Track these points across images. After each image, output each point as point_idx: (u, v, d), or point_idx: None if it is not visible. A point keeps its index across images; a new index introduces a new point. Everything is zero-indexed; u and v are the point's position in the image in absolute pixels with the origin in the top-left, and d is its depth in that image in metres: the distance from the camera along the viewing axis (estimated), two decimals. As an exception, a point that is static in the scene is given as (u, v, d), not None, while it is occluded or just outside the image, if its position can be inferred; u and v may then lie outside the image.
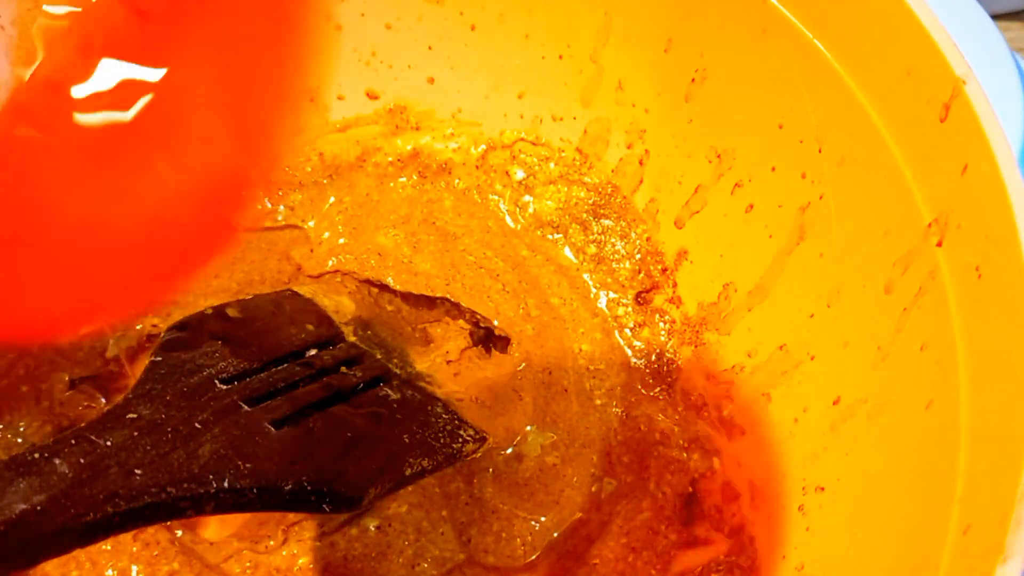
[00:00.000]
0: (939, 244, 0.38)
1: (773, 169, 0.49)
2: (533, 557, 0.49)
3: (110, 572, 0.47)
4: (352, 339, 0.51)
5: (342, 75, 0.58)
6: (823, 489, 0.44)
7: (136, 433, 0.37)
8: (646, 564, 0.49)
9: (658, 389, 0.54)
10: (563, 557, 0.49)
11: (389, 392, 0.48)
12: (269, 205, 0.58)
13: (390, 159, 0.60)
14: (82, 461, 0.34)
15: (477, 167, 0.60)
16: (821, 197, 0.46)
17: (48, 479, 0.33)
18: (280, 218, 0.58)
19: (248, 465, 0.38)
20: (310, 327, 0.50)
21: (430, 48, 0.57)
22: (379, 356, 0.50)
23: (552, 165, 0.59)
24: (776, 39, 0.45)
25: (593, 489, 0.51)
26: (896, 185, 0.40)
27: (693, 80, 0.51)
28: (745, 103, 0.49)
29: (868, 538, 0.39)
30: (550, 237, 0.59)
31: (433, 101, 0.59)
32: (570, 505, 0.50)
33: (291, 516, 0.49)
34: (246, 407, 0.41)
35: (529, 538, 0.49)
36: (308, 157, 0.59)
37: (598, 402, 0.54)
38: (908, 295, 0.40)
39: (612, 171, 0.58)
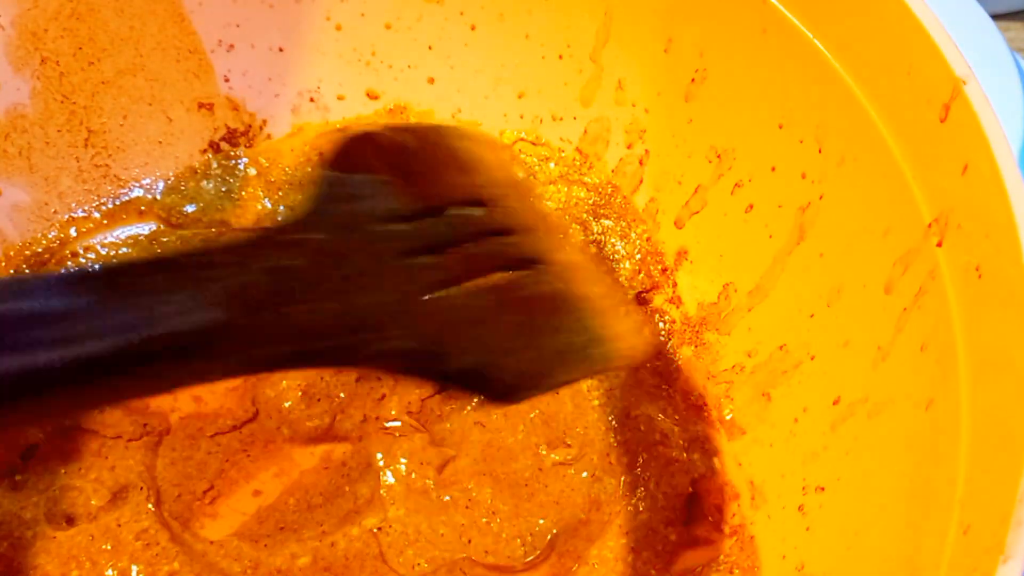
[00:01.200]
0: (939, 244, 0.38)
1: (773, 169, 0.49)
2: (533, 557, 0.49)
3: (110, 572, 0.47)
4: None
5: (342, 75, 0.58)
6: (823, 489, 0.44)
7: (316, 259, 0.33)
8: (646, 564, 0.49)
9: (658, 389, 0.54)
10: (563, 557, 0.49)
11: (547, 279, 0.41)
12: (269, 205, 0.58)
13: (390, 159, 0.60)
14: (257, 281, 0.31)
15: (477, 167, 0.60)
16: (821, 197, 0.46)
17: (225, 290, 0.30)
18: (280, 218, 0.58)
19: (423, 328, 0.35)
20: (478, 181, 0.42)
21: (430, 48, 0.57)
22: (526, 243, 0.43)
23: (552, 165, 0.59)
24: (776, 39, 0.45)
25: (593, 489, 0.51)
26: (896, 185, 0.40)
27: (693, 80, 0.51)
28: (745, 103, 0.49)
29: (868, 538, 0.39)
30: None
31: (433, 101, 0.59)
32: (570, 505, 0.50)
33: (290, 517, 0.49)
34: (396, 261, 0.36)
35: (529, 538, 0.49)
36: (308, 157, 0.59)
37: (597, 402, 0.54)
38: (908, 295, 0.40)
39: (612, 171, 0.58)
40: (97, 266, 0.29)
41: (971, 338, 0.36)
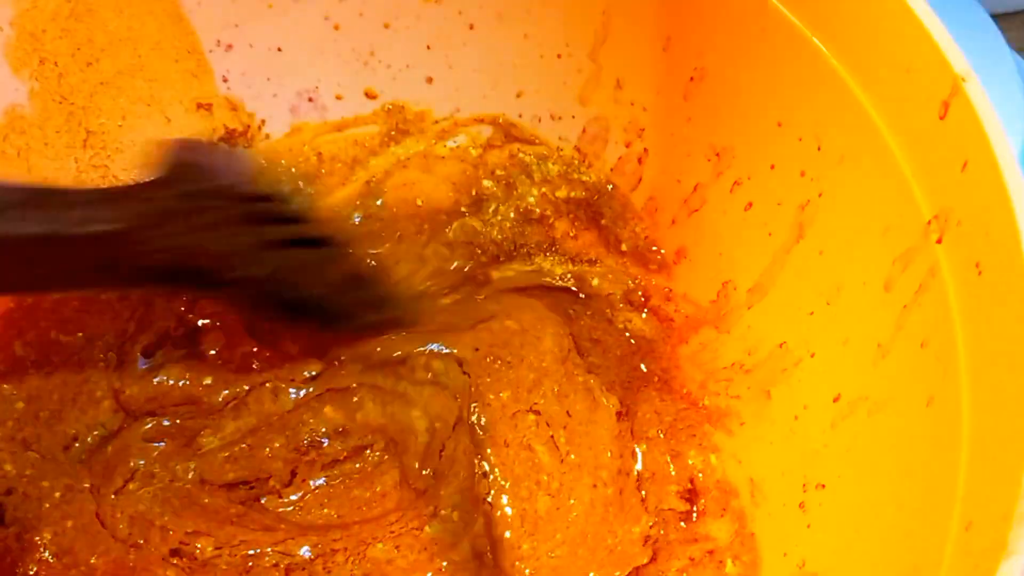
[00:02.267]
0: (939, 241, 0.38)
1: (772, 167, 0.49)
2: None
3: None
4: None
5: (340, 75, 0.58)
6: (824, 486, 0.44)
7: (175, 206, 0.43)
8: (648, 560, 0.49)
9: (656, 386, 0.55)
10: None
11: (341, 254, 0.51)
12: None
13: (389, 158, 0.60)
14: (147, 210, 0.41)
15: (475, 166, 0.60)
16: (820, 195, 0.46)
17: (125, 212, 0.41)
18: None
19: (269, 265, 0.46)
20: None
21: (428, 48, 0.57)
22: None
23: (551, 164, 0.59)
24: (775, 38, 0.45)
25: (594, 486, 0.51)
26: (896, 183, 0.40)
27: (692, 79, 0.51)
28: (744, 102, 0.49)
29: (870, 535, 0.39)
30: (549, 236, 0.59)
31: (431, 100, 0.59)
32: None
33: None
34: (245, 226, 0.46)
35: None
36: (307, 157, 0.59)
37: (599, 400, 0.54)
38: (908, 292, 0.40)
39: (611, 170, 0.58)
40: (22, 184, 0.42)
41: (971, 334, 0.37)
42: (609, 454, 0.52)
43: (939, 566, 0.33)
